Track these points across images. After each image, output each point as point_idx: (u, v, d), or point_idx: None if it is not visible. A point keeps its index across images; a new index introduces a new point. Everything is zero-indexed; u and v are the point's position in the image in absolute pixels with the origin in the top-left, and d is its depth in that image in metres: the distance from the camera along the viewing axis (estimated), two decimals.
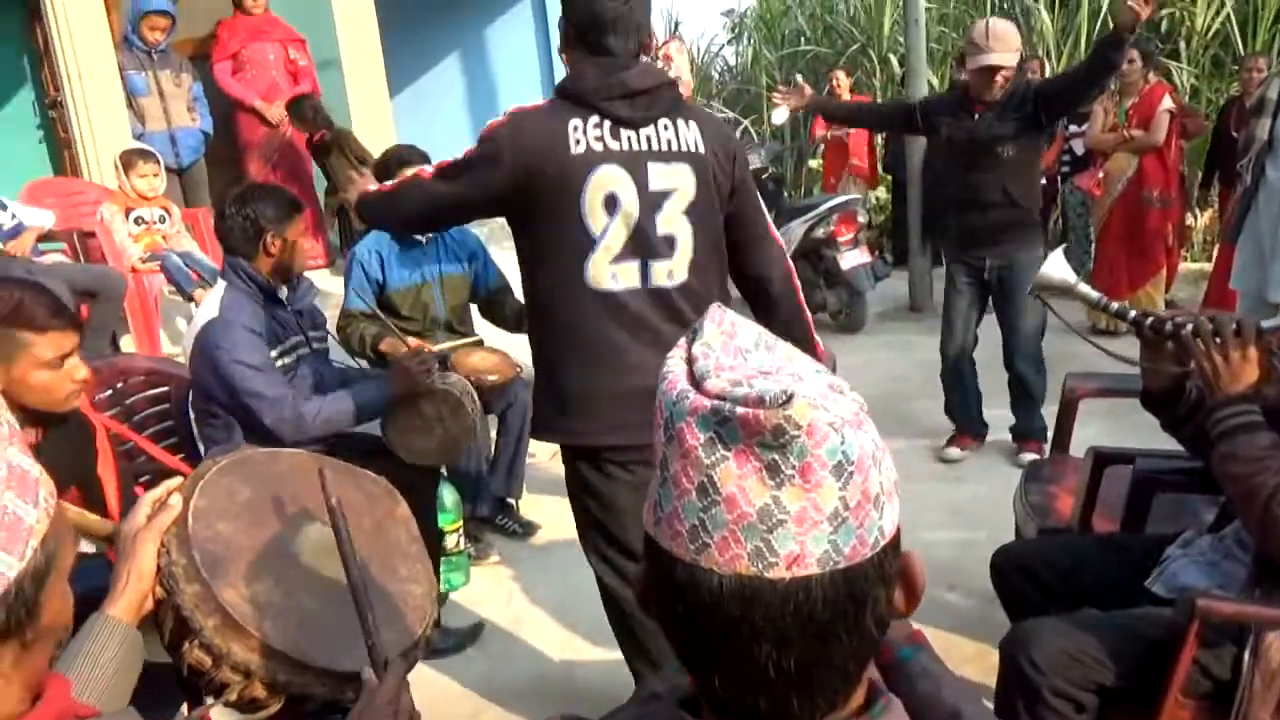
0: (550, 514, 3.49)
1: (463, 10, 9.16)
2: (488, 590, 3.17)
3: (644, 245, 1.89)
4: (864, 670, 0.68)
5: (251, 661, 1.22)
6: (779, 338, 0.72)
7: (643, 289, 1.90)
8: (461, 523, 3.16)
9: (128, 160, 4.14)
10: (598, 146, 1.84)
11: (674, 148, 1.89)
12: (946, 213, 4.17)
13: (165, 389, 2.86)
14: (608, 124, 1.85)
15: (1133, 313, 1.77)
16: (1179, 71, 9.13)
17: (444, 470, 3.17)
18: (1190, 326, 1.65)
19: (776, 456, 0.60)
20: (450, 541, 3.13)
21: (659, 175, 1.88)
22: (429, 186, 1.98)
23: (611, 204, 1.86)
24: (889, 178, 8.21)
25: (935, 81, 9.06)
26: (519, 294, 2.31)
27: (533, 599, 3.10)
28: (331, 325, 3.48)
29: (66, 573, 0.77)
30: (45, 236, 4.05)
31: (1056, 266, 1.84)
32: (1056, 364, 3.71)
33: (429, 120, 8.43)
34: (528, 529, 3.50)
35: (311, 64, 5.94)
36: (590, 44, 1.86)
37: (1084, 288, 1.84)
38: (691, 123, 1.92)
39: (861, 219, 6.22)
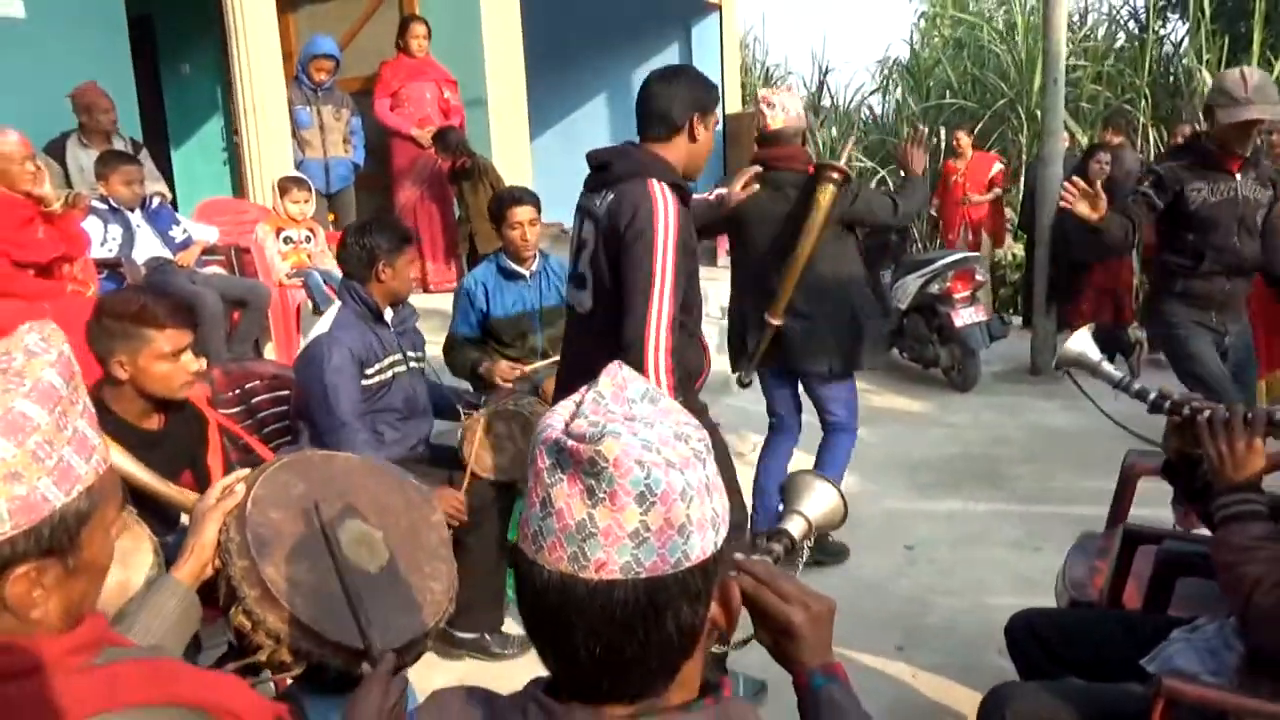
0: None
1: (613, 55, 9.60)
2: None
3: (573, 277, 2.45)
4: (675, 670, 0.82)
5: (281, 630, 1.45)
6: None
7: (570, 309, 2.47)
8: None
9: (283, 186, 4.63)
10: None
11: (595, 211, 2.35)
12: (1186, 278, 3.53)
13: (287, 393, 3.21)
14: (586, 187, 2.42)
15: (1153, 394, 1.80)
16: None
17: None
18: (1206, 413, 1.68)
19: (593, 482, 0.76)
20: None
21: (585, 229, 2.40)
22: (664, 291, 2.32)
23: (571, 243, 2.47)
24: (1026, 236, 8.05)
25: (1084, 141, 8.81)
26: None
27: None
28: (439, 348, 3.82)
29: (109, 523, 0.98)
30: (209, 250, 4.57)
31: (1080, 343, 1.89)
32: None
33: (574, 157, 8.77)
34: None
35: (461, 104, 6.42)
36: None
37: (1107, 366, 1.88)
38: (611, 195, 2.30)
39: (980, 277, 6.16)
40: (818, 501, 1.32)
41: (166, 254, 4.30)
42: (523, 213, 3.55)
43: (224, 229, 4.74)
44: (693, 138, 2.29)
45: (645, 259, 2.21)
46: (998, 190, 8.19)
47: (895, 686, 2.77)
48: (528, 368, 3.62)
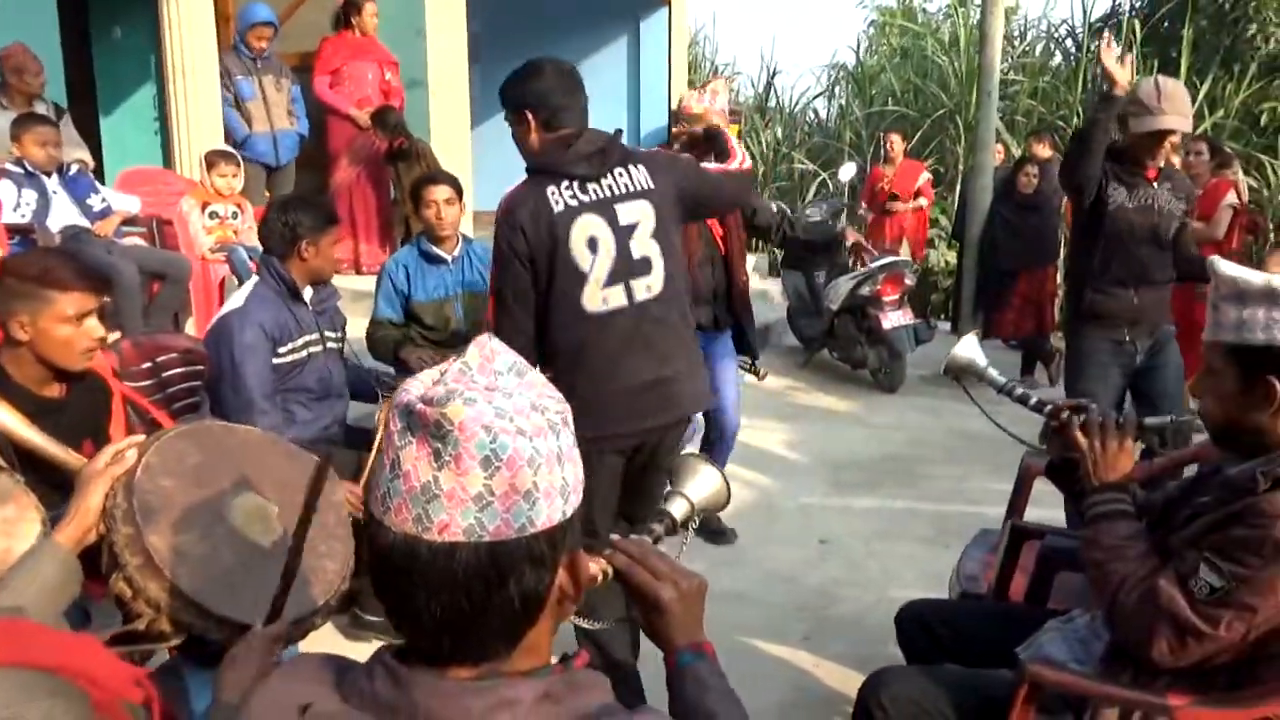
0: None
1: (560, 46, 9.57)
2: None
3: (625, 269, 2.28)
4: (518, 635, 0.84)
5: (162, 599, 1.44)
6: None
7: (629, 305, 2.29)
8: None
9: (211, 160, 4.54)
10: (573, 202, 2.26)
11: (630, 189, 2.29)
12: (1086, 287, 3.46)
13: (201, 368, 3.15)
14: (575, 183, 2.26)
15: (1034, 399, 1.88)
16: (1273, 167, 8.93)
17: None
18: (1082, 418, 1.76)
19: (439, 445, 0.78)
20: None
21: (625, 212, 2.28)
22: (507, 308, 2.33)
23: (593, 244, 2.26)
24: (959, 244, 8.24)
25: (1017, 153, 9.04)
26: None
27: None
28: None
29: None
30: (130, 220, 4.46)
31: (967, 349, 1.97)
32: None
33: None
34: None
35: (402, 86, 6.35)
36: (551, 127, 2.28)
37: (992, 372, 1.96)
38: (640, 166, 2.32)
39: (909, 281, 6.27)
40: (701, 484, 1.35)
41: (84, 222, 4.19)
42: (439, 192, 3.53)
43: (147, 200, 4.63)
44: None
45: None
46: (923, 200, 8.28)
47: (797, 674, 2.84)
48: (449, 354, 3.61)
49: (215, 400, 2.82)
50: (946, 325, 8.01)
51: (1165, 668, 1.50)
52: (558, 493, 0.82)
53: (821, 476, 4.62)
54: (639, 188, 2.29)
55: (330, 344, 2.96)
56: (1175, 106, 3.14)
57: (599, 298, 2.27)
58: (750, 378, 4.03)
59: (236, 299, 2.79)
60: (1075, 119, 9.68)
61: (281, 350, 2.78)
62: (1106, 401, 3.30)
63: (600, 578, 1.15)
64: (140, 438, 1.63)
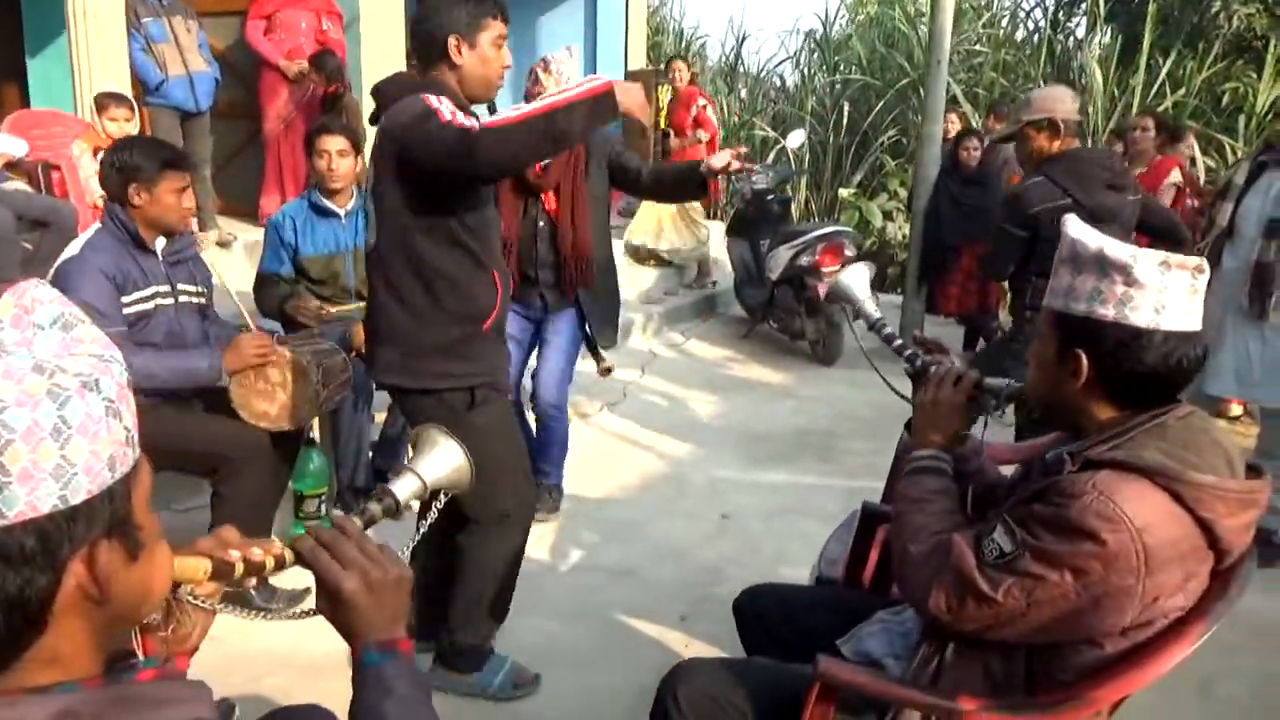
0: None
1: (514, 7, 9.30)
2: None
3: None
4: (18, 645, 0.69)
5: None
6: None
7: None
8: (325, 490, 3.21)
9: (101, 102, 4.30)
10: None
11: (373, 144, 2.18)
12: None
13: None
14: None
15: (898, 342, 1.77)
16: (1232, 148, 8.83)
17: (316, 438, 3.24)
18: (932, 369, 1.64)
19: None
20: (310, 506, 3.19)
21: (371, 164, 2.22)
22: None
23: None
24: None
25: (975, 124, 8.88)
26: None
27: None
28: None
29: None
30: (12, 164, 4.22)
31: (852, 277, 1.84)
32: None
33: None
34: (400, 509, 3.53)
35: (343, 37, 6.08)
36: None
37: (869, 306, 1.84)
38: (382, 118, 2.15)
39: (849, 252, 6.13)
40: (437, 461, 1.20)
41: None
42: (332, 142, 3.36)
43: (38, 144, 4.39)
44: (452, 65, 2.11)
45: (431, 119, 1.98)
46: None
47: (666, 656, 2.71)
48: (334, 309, 3.45)
49: None
50: (899, 299, 7.90)
51: (942, 625, 1.39)
52: (49, 475, 0.67)
53: (738, 450, 4.49)
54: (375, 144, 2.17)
55: (183, 298, 2.78)
56: (1025, 110, 3.25)
57: None
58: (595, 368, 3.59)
59: (73, 246, 2.60)
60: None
61: (125, 300, 2.59)
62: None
63: (271, 563, 1.01)
64: None
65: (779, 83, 12.08)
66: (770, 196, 6.79)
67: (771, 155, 10.15)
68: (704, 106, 7.62)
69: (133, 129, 4.35)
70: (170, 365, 2.57)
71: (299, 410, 2.74)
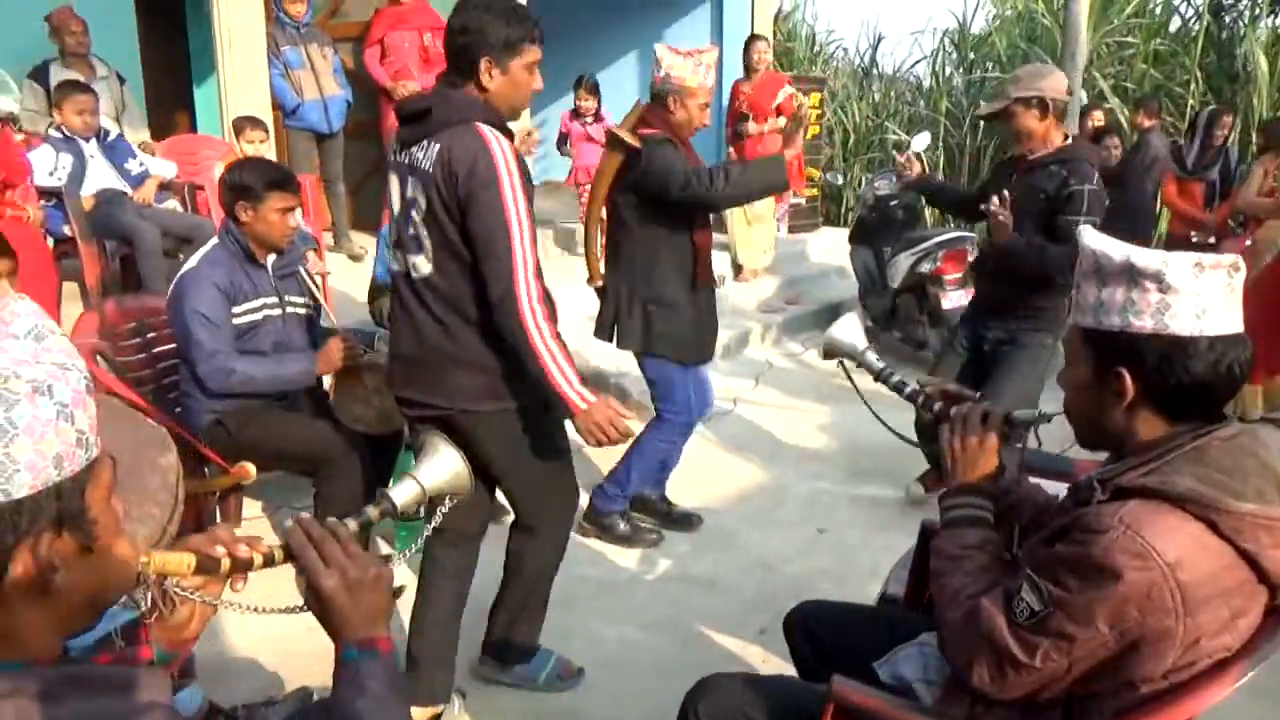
0: None
1: (637, 16, 9.43)
2: None
3: (404, 240, 2.20)
4: None
5: None
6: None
7: (406, 275, 2.21)
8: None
9: (238, 126, 4.64)
10: (390, 157, 2.26)
11: (418, 165, 2.12)
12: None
13: None
14: (399, 143, 2.21)
15: (909, 388, 1.71)
16: None
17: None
18: (951, 411, 1.57)
19: None
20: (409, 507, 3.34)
21: (410, 186, 2.16)
22: None
23: (392, 204, 2.23)
24: None
25: (1125, 121, 8.36)
26: None
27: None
28: None
29: None
30: (167, 186, 4.62)
31: (845, 330, 1.79)
32: None
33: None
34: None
35: None
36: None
37: (870, 355, 1.78)
38: (435, 144, 2.08)
39: (972, 258, 5.89)
40: (436, 468, 1.25)
41: (122, 186, 4.35)
42: None
43: (187, 166, 4.78)
44: (481, 86, 2.09)
45: (497, 207, 2.03)
46: (781, 119, 7.14)
47: (739, 669, 2.69)
48: None
49: (182, 357, 2.87)
50: None
51: (993, 698, 1.32)
52: (17, 468, 0.74)
53: (843, 462, 4.39)
54: (423, 166, 2.10)
55: (291, 308, 2.96)
56: (999, 93, 3.26)
57: (394, 256, 2.26)
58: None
59: (193, 259, 2.82)
60: (1194, 84, 8.88)
61: (236, 310, 2.80)
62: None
63: (259, 560, 1.08)
64: None
65: (914, 83, 11.72)
66: (894, 202, 6.61)
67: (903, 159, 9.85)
68: (791, 94, 7.25)
69: (267, 150, 4.67)
70: (269, 371, 2.75)
71: (394, 415, 2.86)
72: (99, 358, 2.99)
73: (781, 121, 6.84)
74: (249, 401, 2.83)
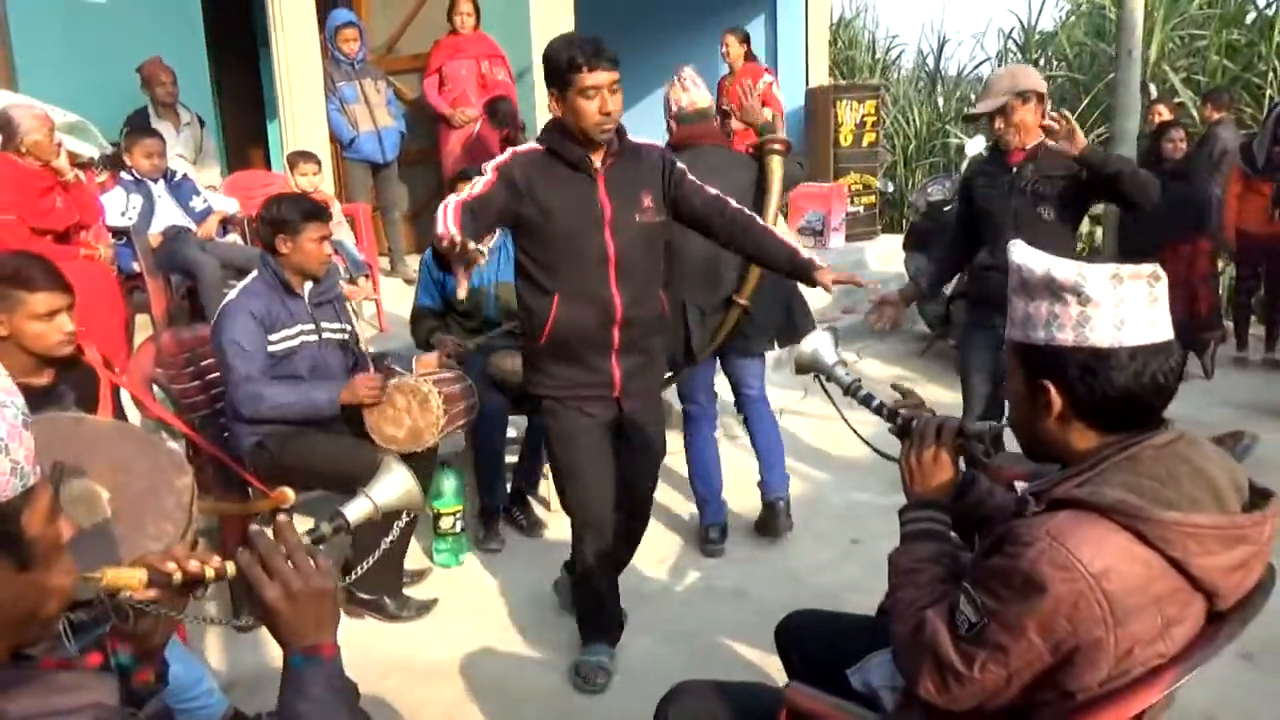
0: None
1: (695, 27, 9.49)
2: (476, 574, 3.45)
3: None
4: None
5: None
6: None
7: None
8: (460, 507, 3.47)
9: (292, 160, 4.88)
10: None
11: None
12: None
13: None
14: None
15: (877, 401, 1.73)
16: None
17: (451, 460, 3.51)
18: (915, 423, 1.59)
19: None
20: (446, 524, 3.46)
21: None
22: None
23: None
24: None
25: (1196, 115, 8.06)
26: None
27: (509, 589, 3.33)
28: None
29: None
30: (229, 220, 4.88)
31: (815, 344, 1.82)
32: None
33: (657, 134, 8.45)
34: (534, 526, 3.74)
35: (511, 79, 6.49)
36: None
37: (840, 370, 1.81)
38: None
39: None
40: (388, 486, 1.33)
41: (186, 223, 4.62)
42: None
43: (248, 201, 5.04)
44: (560, 114, 2.39)
45: None
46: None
47: (758, 681, 2.71)
48: (472, 342, 3.71)
49: (223, 382, 3.05)
50: None
51: (940, 708, 1.34)
52: None
53: (884, 474, 4.34)
54: None
55: (327, 334, 3.11)
56: (988, 92, 3.28)
57: None
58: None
59: (234, 290, 3.00)
60: (1272, 75, 8.52)
61: (273, 338, 2.96)
62: (971, 387, 3.42)
63: (210, 573, 1.16)
64: None
65: (978, 85, 11.53)
66: (948, 208, 6.53)
67: (965, 163, 9.70)
68: (770, 84, 7.23)
69: (320, 182, 4.90)
70: (300, 397, 2.91)
71: (423, 434, 2.99)
72: (154, 386, 3.20)
73: (768, 114, 6.95)
74: (288, 425, 2.98)
